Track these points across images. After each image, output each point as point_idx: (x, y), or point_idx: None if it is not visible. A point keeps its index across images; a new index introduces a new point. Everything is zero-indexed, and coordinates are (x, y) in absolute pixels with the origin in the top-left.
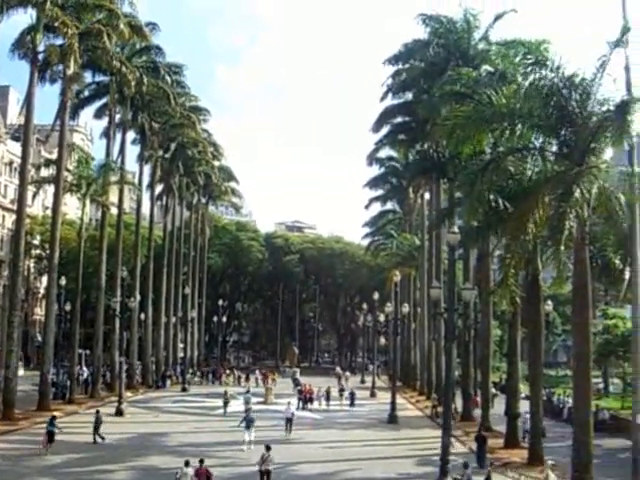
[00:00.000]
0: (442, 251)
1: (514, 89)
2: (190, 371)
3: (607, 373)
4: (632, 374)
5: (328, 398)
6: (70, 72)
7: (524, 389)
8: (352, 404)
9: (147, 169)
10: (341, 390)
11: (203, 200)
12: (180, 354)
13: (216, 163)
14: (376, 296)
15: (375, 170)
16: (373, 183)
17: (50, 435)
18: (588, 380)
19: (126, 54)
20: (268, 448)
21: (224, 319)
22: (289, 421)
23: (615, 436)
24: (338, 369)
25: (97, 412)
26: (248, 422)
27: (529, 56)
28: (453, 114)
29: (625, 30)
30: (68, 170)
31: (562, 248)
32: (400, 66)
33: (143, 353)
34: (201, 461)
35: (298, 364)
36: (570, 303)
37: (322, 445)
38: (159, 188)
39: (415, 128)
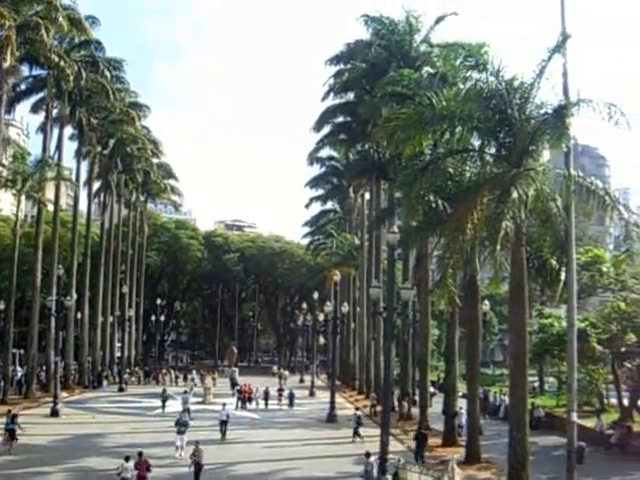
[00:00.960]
0: (382, 251)
1: (455, 91)
2: (127, 371)
3: (543, 372)
4: (566, 373)
5: (267, 398)
6: (7, 65)
7: (462, 388)
8: (291, 404)
9: (85, 165)
10: (280, 390)
11: (142, 198)
12: (117, 354)
13: (155, 160)
14: (316, 295)
15: (316, 169)
16: (314, 182)
17: (11, 433)
18: (524, 379)
19: (65, 48)
20: (197, 443)
21: (162, 318)
22: (224, 424)
23: (550, 433)
24: (275, 368)
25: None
26: (181, 426)
27: (470, 59)
28: (394, 115)
29: (564, 37)
30: (3, 165)
31: (499, 249)
32: (342, 66)
33: (79, 353)
34: (140, 454)
35: (237, 364)
36: (507, 303)
37: (261, 445)
38: (97, 185)
39: (356, 128)
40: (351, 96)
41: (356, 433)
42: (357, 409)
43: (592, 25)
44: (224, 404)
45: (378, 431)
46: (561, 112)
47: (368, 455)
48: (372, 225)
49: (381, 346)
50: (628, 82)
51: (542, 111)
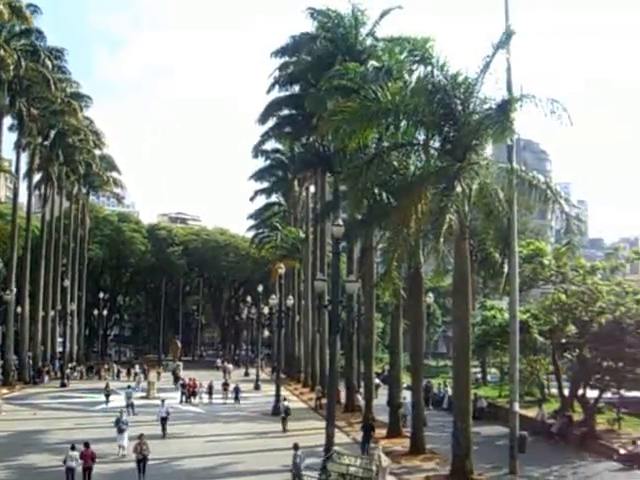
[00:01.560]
0: (326, 244)
1: (400, 85)
2: (70, 366)
3: (485, 363)
4: (509, 363)
5: (211, 392)
6: None
7: (406, 379)
8: (237, 398)
9: (25, 157)
10: (225, 385)
11: (84, 190)
12: (59, 349)
13: (97, 152)
14: (260, 288)
15: (261, 162)
16: (258, 175)
17: None
18: (467, 370)
19: (4, 36)
20: (142, 436)
21: (105, 312)
22: (164, 420)
23: (493, 423)
24: (219, 361)
25: None
26: (121, 426)
27: (416, 53)
28: (339, 109)
29: (508, 33)
30: None
31: (443, 242)
32: (287, 58)
33: (20, 348)
34: (86, 444)
35: (181, 357)
36: (450, 295)
37: (206, 439)
38: (37, 177)
39: (301, 121)
40: (297, 89)
41: (284, 422)
42: (284, 399)
43: (538, 22)
44: (163, 400)
45: (323, 424)
46: (505, 107)
47: (296, 447)
48: (317, 218)
49: (326, 339)
50: (572, 78)
51: (486, 106)
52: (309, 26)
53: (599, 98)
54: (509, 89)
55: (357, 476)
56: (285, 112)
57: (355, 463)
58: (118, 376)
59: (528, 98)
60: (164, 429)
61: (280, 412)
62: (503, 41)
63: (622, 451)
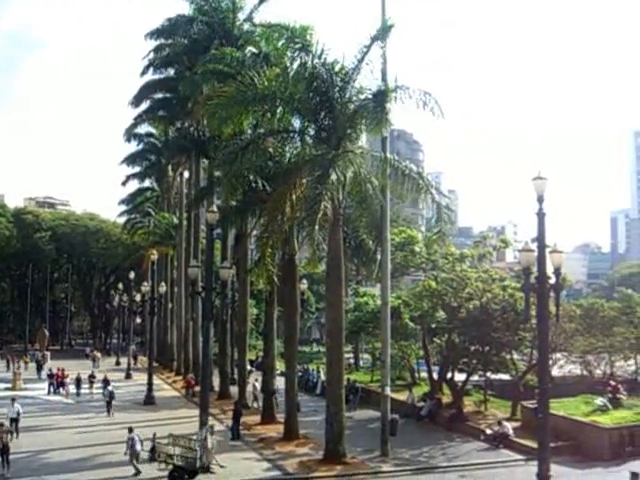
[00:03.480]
0: (201, 230)
1: (278, 72)
2: None
3: (358, 348)
4: (380, 349)
5: (79, 385)
6: None
7: (280, 366)
8: (105, 388)
9: None
10: (91, 377)
11: None
12: None
13: None
14: (132, 275)
15: (133, 146)
16: (131, 159)
17: None
18: (340, 355)
19: None
20: (2, 425)
21: None
22: (14, 422)
23: (365, 407)
24: (88, 350)
25: None
26: None
27: (296, 40)
28: (215, 93)
29: (384, 27)
30: None
31: (318, 229)
32: (163, 41)
33: None
34: None
35: (49, 347)
36: (324, 282)
37: (76, 430)
38: None
39: (176, 105)
40: (172, 72)
41: (108, 407)
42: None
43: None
44: (13, 399)
45: (197, 411)
46: (381, 97)
47: (130, 430)
48: (191, 204)
49: (199, 326)
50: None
51: (362, 96)
52: (186, 8)
53: (470, 90)
54: (384, 79)
55: (182, 456)
56: (159, 95)
57: (181, 444)
58: None
59: (402, 89)
60: (16, 430)
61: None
62: (380, 34)
63: (488, 431)
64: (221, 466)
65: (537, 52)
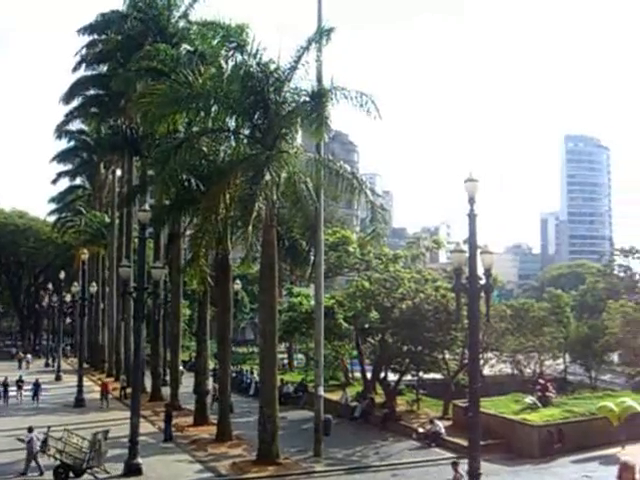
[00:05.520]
0: (133, 229)
1: (213, 72)
2: None
3: (292, 349)
4: (314, 349)
5: (5, 390)
6: None
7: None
8: (35, 395)
9: None
10: (19, 382)
11: None
12: None
13: None
14: (62, 275)
15: (64, 143)
16: (62, 157)
17: None
18: (274, 356)
19: None
20: None
21: None
22: None
23: (298, 408)
24: (14, 350)
25: None
26: None
27: (232, 39)
28: (149, 91)
29: (320, 30)
30: None
31: (252, 229)
32: (96, 36)
33: None
34: None
35: None
36: (258, 282)
37: (2, 434)
38: None
39: (109, 102)
40: (105, 69)
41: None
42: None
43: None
44: None
45: (128, 413)
46: (319, 99)
47: (30, 430)
48: (123, 203)
49: (131, 327)
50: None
51: (298, 97)
52: (120, 4)
53: (404, 92)
54: (319, 81)
55: (71, 455)
56: (92, 92)
57: (73, 442)
58: None
59: (338, 90)
60: None
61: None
62: (316, 37)
63: (420, 430)
64: (106, 472)
65: (473, 54)
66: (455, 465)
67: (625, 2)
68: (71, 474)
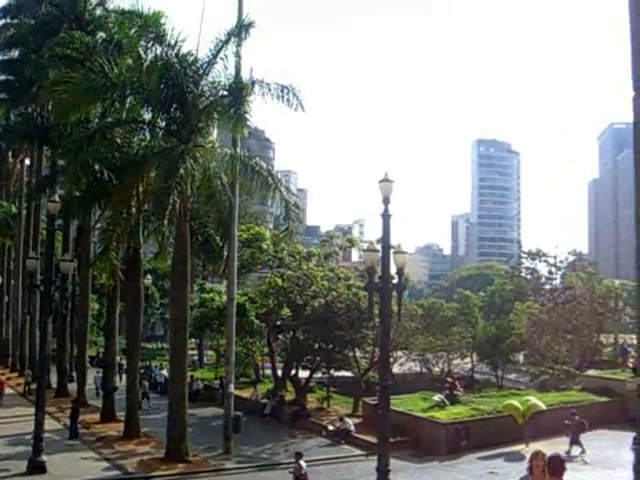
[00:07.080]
0: (41, 221)
1: (129, 61)
2: None
3: (202, 345)
4: (225, 346)
5: None
6: None
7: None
8: None
9: None
10: None
11: None
12: None
13: None
14: None
15: None
16: None
17: None
18: (184, 352)
19: None
20: None
21: None
22: None
23: (209, 405)
24: None
25: None
26: None
27: (150, 30)
28: (62, 79)
29: (240, 24)
30: None
31: (166, 223)
32: (8, 20)
33: None
34: None
35: None
36: (169, 277)
37: None
38: None
39: (19, 88)
40: (16, 53)
41: None
42: None
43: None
44: None
45: (33, 410)
46: (239, 93)
47: None
48: (32, 193)
49: (37, 321)
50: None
51: (218, 91)
52: None
53: (323, 90)
54: (237, 75)
55: None
56: (2, 77)
57: None
58: None
59: (258, 83)
60: None
61: None
62: (235, 30)
63: (330, 427)
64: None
65: (392, 56)
66: (298, 456)
67: (537, 10)
68: None
